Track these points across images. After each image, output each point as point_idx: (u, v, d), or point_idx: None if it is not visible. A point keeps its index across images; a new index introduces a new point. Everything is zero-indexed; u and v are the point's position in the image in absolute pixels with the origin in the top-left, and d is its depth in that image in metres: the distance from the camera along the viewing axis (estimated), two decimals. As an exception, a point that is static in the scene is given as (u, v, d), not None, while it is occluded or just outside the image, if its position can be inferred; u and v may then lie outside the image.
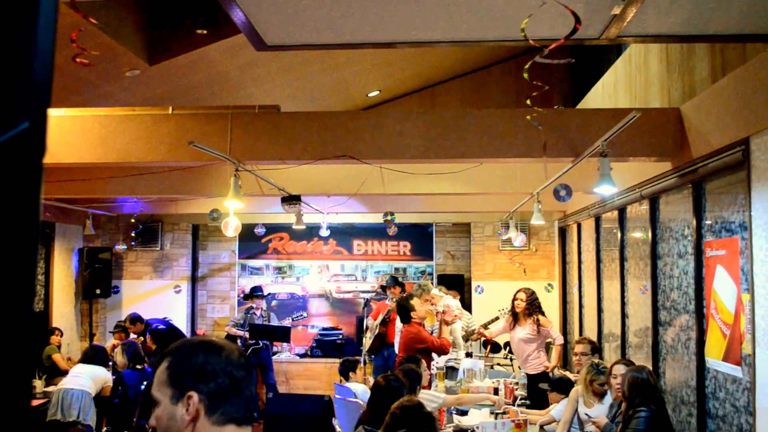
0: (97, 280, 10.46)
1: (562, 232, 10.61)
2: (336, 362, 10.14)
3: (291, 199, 7.21)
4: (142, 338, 9.04)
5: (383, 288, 9.87)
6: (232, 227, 5.84)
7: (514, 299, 7.74)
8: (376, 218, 10.34)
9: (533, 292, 7.76)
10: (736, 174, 4.58)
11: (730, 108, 4.56)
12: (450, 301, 8.08)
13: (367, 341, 9.47)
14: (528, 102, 3.25)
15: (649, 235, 6.31)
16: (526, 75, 3.02)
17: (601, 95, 8.05)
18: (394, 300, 9.19)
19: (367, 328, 9.71)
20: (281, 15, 3.49)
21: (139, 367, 7.52)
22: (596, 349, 6.22)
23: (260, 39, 3.84)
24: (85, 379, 7.11)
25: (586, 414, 5.51)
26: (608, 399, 5.52)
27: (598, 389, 5.52)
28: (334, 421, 6.48)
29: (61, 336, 9.27)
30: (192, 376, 1.60)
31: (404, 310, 6.90)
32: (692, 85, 5.31)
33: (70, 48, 6.24)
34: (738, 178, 4.53)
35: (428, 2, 3.27)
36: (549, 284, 10.72)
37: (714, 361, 4.97)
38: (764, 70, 4.07)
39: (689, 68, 5.37)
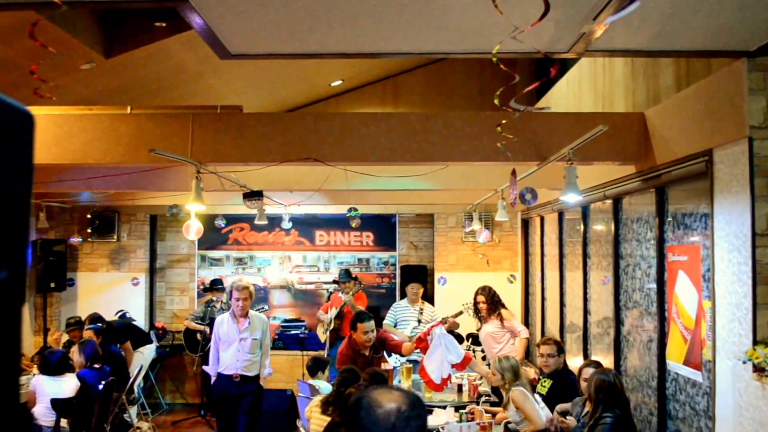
0: (52, 273, 10.15)
1: (525, 224, 10.66)
2: (298, 354, 10.09)
3: (253, 195, 7.08)
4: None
5: (336, 282, 9.72)
6: (193, 231, 5.70)
7: (476, 302, 7.79)
8: (339, 209, 10.24)
9: (490, 289, 7.78)
10: (699, 183, 4.61)
11: (694, 118, 4.58)
12: None
13: (323, 335, 9.36)
14: (498, 129, 3.21)
15: (612, 235, 6.35)
16: (497, 101, 2.98)
17: (566, 92, 8.06)
18: (351, 294, 9.13)
19: (319, 321, 9.59)
20: (246, 27, 3.39)
21: (96, 366, 7.35)
22: (562, 349, 6.25)
23: (224, 48, 3.74)
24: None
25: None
26: None
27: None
28: (298, 422, 6.43)
29: (15, 332, 8.99)
30: None
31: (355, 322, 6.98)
32: (657, 91, 5.32)
33: (23, 41, 6.00)
34: (701, 188, 4.56)
35: (395, 20, 3.20)
36: (511, 275, 10.77)
37: (675, 364, 5.04)
38: (728, 83, 4.09)
39: (654, 74, 5.38)
